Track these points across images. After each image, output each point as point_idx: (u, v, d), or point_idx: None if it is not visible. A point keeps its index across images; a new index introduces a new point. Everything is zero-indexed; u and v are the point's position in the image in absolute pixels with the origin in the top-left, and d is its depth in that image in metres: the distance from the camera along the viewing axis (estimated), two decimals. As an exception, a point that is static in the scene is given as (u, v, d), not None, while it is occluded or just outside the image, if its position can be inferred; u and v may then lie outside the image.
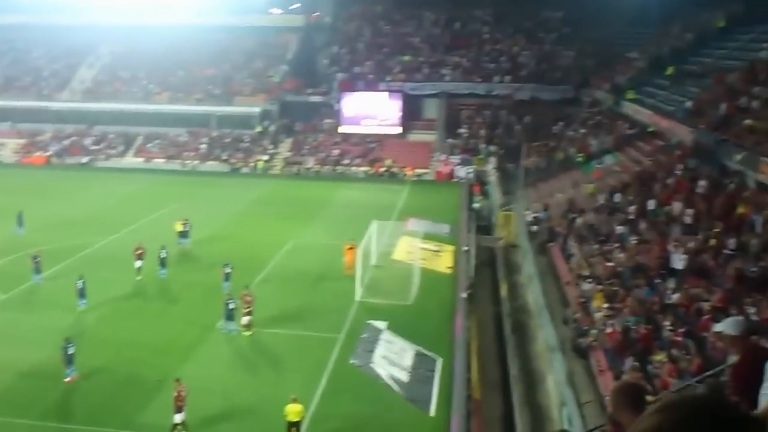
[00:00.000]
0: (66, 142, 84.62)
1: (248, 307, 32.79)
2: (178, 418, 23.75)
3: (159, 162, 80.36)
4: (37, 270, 39.32)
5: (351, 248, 41.17)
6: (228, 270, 38.74)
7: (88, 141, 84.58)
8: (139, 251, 40.10)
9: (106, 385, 27.72)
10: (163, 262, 40.85)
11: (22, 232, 48.75)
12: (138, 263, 39.82)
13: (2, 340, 31.49)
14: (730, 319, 6.89)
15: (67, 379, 27.94)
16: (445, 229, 52.11)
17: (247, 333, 32.45)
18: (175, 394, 24.03)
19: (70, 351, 28.21)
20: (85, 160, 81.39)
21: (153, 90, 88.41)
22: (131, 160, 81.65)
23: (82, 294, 35.72)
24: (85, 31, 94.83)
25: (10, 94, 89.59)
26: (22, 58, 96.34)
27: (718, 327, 7.06)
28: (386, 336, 33.00)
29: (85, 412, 25.60)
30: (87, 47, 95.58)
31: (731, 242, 29.40)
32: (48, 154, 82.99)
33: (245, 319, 32.58)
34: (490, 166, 70.41)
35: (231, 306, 32.99)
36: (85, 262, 42.42)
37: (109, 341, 31.79)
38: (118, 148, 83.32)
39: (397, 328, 33.78)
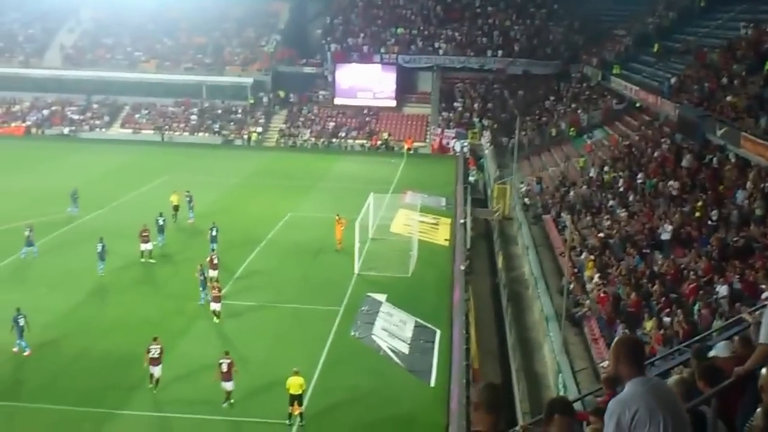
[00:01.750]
0: (46, 112, 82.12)
1: (218, 295, 31.68)
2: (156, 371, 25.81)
3: (147, 133, 78.86)
4: (29, 242, 38.91)
5: (340, 222, 41.73)
6: (214, 233, 40.29)
7: (70, 110, 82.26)
8: (146, 234, 39.10)
9: (98, 366, 27.50)
10: (161, 230, 41.63)
11: (76, 211, 46.70)
12: (143, 246, 38.84)
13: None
14: (721, 344, 7.90)
15: (15, 349, 28.03)
16: (441, 201, 52.89)
17: (216, 320, 31.54)
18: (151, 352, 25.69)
19: (21, 323, 28.10)
20: (66, 130, 79.09)
21: (139, 58, 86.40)
22: (118, 131, 79.97)
23: (101, 257, 36.69)
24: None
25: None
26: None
27: (712, 353, 8.03)
28: (386, 308, 33.72)
29: (75, 394, 25.24)
30: (65, 11, 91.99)
31: (714, 214, 30.25)
32: (27, 124, 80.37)
33: (215, 306, 31.54)
34: (485, 140, 70.99)
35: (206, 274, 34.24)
36: (70, 237, 42.08)
37: (96, 320, 31.61)
38: (104, 119, 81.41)
39: (396, 301, 34.48)
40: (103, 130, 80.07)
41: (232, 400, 24.91)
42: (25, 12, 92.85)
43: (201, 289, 33.75)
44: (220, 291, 31.91)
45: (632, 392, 5.25)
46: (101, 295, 34.72)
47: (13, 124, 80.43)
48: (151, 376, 25.93)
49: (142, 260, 38.89)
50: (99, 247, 36.81)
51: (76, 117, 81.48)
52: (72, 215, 46.23)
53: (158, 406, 24.95)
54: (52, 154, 67.65)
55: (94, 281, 36.10)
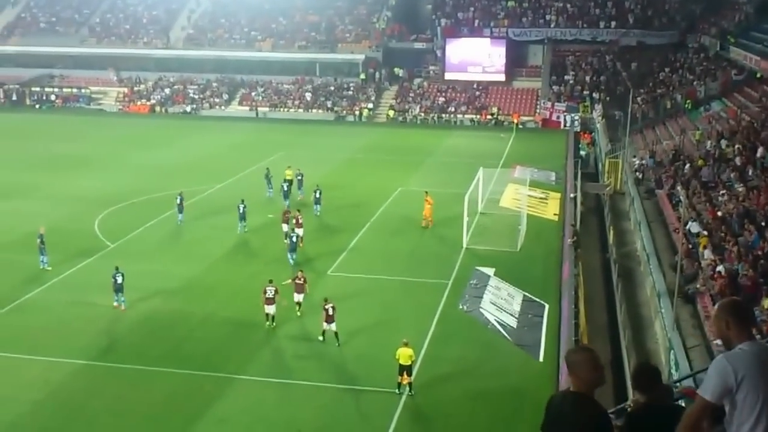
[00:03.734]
0: (168, 91, 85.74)
1: (301, 284, 30.46)
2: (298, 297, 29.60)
3: (263, 110, 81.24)
4: (180, 209, 41.62)
5: (427, 200, 41.62)
6: (318, 194, 43.53)
7: (191, 89, 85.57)
8: (288, 215, 39.45)
9: (218, 332, 28.80)
10: (286, 195, 44.30)
11: (270, 194, 47.31)
12: (286, 227, 38.61)
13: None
14: None
15: (115, 304, 30.33)
16: (551, 176, 52.49)
17: (299, 313, 30.44)
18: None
19: (119, 280, 30.30)
20: (188, 108, 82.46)
21: (255, 37, 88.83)
22: (236, 109, 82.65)
23: (243, 217, 39.94)
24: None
25: (110, 42, 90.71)
26: (121, 5, 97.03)
27: None
28: (494, 282, 33.82)
29: (197, 359, 26.30)
30: None
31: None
32: (151, 102, 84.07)
33: (298, 297, 30.45)
34: (596, 114, 69.91)
35: (294, 239, 36.22)
36: (193, 210, 43.44)
37: (220, 288, 33.00)
38: (222, 97, 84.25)
39: (504, 275, 34.54)
40: (222, 107, 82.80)
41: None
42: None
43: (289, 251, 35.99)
44: (305, 281, 30.59)
45: (743, 354, 5.10)
46: (223, 265, 36.10)
47: (138, 103, 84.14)
48: (267, 314, 28.74)
49: (285, 241, 37.83)
50: (240, 209, 39.88)
51: (196, 96, 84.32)
52: (269, 197, 47.22)
53: (273, 372, 25.83)
54: (174, 132, 70.51)
55: (218, 251, 37.71)
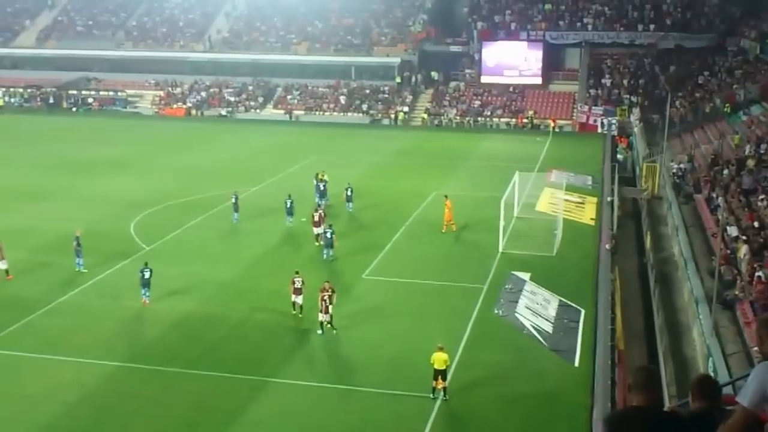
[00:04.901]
0: (204, 94, 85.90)
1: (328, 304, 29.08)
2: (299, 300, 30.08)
3: (298, 113, 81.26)
4: (236, 209, 42.40)
5: (447, 204, 41.20)
6: (349, 192, 44.72)
7: (227, 92, 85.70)
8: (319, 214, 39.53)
9: (253, 335, 29.02)
10: (324, 193, 44.97)
11: (324, 201, 45.32)
12: (316, 230, 38.82)
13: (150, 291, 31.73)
14: None
15: (143, 300, 31.21)
16: (588, 180, 52.09)
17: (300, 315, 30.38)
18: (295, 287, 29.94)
19: (146, 275, 31.13)
20: (224, 111, 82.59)
21: (291, 40, 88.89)
22: (271, 112, 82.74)
23: (290, 212, 41.73)
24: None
25: (146, 45, 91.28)
26: (158, 8, 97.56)
27: None
28: (530, 287, 33.57)
29: (231, 362, 26.40)
30: None
31: None
32: (187, 105, 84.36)
33: (296, 299, 30.30)
34: (634, 117, 69.28)
35: (328, 235, 37.03)
36: (228, 213, 43.45)
37: (255, 291, 33.07)
38: (258, 100, 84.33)
39: (540, 279, 34.27)
40: (257, 111, 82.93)
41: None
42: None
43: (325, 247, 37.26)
44: (303, 284, 30.16)
45: None
46: (259, 268, 36.26)
47: (174, 106, 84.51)
48: (294, 303, 30.21)
49: (316, 244, 38.69)
50: (288, 203, 41.62)
51: (232, 99, 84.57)
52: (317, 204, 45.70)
53: (307, 376, 25.81)
54: (210, 135, 70.97)
55: (253, 254, 37.84)
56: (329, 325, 28.81)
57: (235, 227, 42.10)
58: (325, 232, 37.32)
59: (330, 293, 28.68)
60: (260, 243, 39.50)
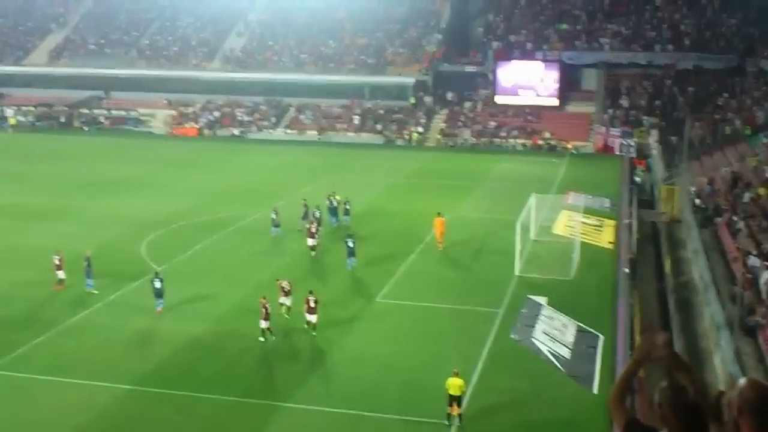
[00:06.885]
0: (217, 114, 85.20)
1: (313, 307, 30.47)
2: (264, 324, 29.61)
3: (312, 133, 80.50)
4: (275, 224, 43.20)
5: (439, 220, 41.14)
6: (348, 206, 45.65)
7: (239, 112, 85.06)
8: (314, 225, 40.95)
9: (263, 359, 28.86)
10: (335, 211, 45.99)
11: (347, 220, 45.95)
12: (311, 242, 40.08)
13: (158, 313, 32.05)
14: None
15: (158, 309, 31.87)
16: (605, 203, 51.45)
17: (313, 333, 30.55)
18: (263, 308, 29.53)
19: (157, 285, 31.90)
20: (236, 131, 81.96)
21: (304, 60, 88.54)
22: (284, 132, 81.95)
23: (276, 224, 42.91)
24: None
25: (159, 63, 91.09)
26: (170, 27, 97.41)
27: None
28: (547, 311, 33.00)
29: (243, 385, 26.18)
30: (235, 15, 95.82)
31: None
32: (199, 125, 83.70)
33: (312, 318, 30.54)
34: (652, 139, 68.65)
35: (350, 244, 37.86)
36: (240, 233, 43.54)
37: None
38: (270, 120, 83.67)
39: (557, 304, 33.71)
40: (270, 131, 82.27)
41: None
42: (198, 16, 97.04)
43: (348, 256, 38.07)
44: (316, 303, 30.49)
45: None
46: (270, 288, 35.51)
47: (186, 126, 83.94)
48: (308, 322, 30.27)
49: (312, 254, 40.43)
50: (316, 213, 43.14)
51: (244, 118, 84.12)
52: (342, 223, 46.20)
53: (319, 400, 25.40)
54: (222, 154, 70.56)
55: (265, 275, 36.91)
56: (312, 327, 30.22)
57: (249, 248, 41.48)
58: (347, 242, 38.13)
59: (315, 299, 30.17)
60: (272, 264, 38.93)
